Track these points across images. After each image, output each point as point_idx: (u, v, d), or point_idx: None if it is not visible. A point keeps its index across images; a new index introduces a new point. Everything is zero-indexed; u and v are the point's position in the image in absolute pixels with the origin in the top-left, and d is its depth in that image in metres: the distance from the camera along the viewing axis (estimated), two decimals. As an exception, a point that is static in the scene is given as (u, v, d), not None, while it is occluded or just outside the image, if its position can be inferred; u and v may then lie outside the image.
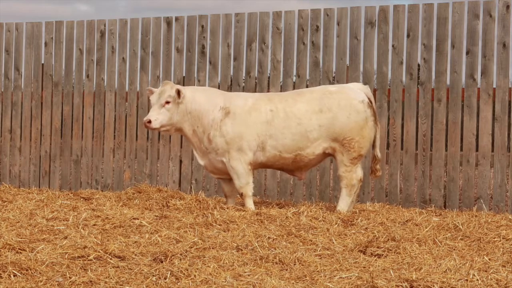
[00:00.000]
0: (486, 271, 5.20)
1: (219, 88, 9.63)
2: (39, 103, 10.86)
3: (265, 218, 7.21)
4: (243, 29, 9.83)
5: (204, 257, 5.57)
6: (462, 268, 5.23)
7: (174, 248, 5.82)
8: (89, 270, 5.18)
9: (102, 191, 10.08)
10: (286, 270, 5.35)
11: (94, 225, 6.95)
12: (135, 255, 5.68)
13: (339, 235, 6.62)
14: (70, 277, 4.97)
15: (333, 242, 6.30)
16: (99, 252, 5.63)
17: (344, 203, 8.01)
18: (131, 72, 10.36)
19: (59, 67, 10.81)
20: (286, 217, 7.28)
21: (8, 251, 5.67)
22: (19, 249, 5.74)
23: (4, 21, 11.12)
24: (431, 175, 8.99)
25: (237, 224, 6.89)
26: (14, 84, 10.99)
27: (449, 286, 4.79)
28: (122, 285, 4.87)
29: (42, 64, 10.89)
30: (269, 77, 9.72)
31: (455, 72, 8.91)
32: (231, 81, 9.92)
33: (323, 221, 7.19)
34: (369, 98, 8.11)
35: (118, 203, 8.16)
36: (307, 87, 9.33)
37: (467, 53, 8.86)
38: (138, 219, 7.12)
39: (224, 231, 6.64)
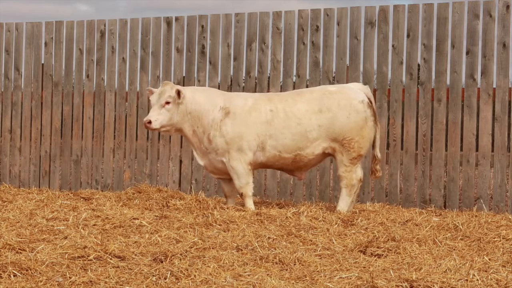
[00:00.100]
0: (486, 271, 5.20)
1: (219, 88, 9.64)
2: (39, 103, 10.86)
3: (265, 218, 7.21)
4: (243, 29, 9.83)
5: (204, 257, 5.57)
6: (462, 268, 5.23)
7: (174, 248, 5.81)
8: (89, 270, 5.18)
9: (102, 191, 10.08)
10: (286, 270, 5.35)
11: (94, 225, 6.95)
12: (135, 255, 5.68)
13: (339, 235, 6.62)
14: (70, 277, 4.97)
15: (333, 242, 6.30)
16: (99, 252, 5.63)
17: (344, 203, 8.01)
18: (131, 72, 10.36)
19: (59, 67, 10.81)
20: (286, 217, 7.28)
21: (8, 251, 5.67)
22: (19, 249, 5.74)
23: (4, 21, 11.13)
24: (431, 175, 8.99)
25: (237, 224, 6.89)
26: (14, 84, 10.99)
27: (449, 286, 4.79)
28: (122, 285, 4.87)
29: (42, 64, 10.89)
30: (269, 77, 9.72)
31: (455, 72, 8.91)
32: (231, 81, 9.92)
33: (323, 221, 7.19)
34: (369, 98, 8.11)
35: (118, 203, 8.16)
36: (307, 87, 9.33)
37: (467, 53, 8.86)
38: (138, 219, 7.12)
39: (224, 231, 6.64)
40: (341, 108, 8.01)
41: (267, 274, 5.16)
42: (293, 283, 4.95)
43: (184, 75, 10.11)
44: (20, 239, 6.14)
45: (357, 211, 7.88)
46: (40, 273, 5.09)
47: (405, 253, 5.82)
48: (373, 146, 8.18)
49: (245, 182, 8.06)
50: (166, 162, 10.14)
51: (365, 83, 8.99)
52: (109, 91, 10.48)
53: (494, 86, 8.76)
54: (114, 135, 10.49)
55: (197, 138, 8.18)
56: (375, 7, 9.27)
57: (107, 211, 7.55)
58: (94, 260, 5.51)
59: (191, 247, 5.94)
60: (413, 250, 5.89)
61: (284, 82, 9.65)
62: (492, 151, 8.74)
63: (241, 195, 8.10)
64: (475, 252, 5.97)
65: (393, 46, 9.16)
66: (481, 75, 8.78)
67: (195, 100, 8.15)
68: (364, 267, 5.41)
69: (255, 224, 6.95)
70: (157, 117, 8.05)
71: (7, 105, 11.04)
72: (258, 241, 6.14)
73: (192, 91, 8.24)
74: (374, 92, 9.17)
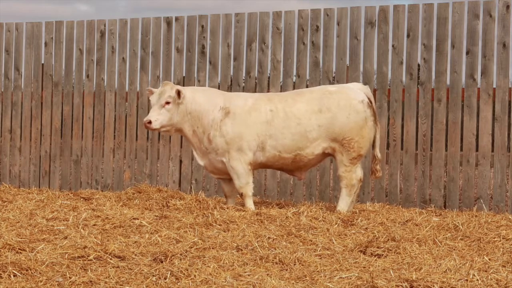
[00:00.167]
0: (486, 271, 5.20)
1: (219, 88, 9.64)
2: (39, 103, 10.86)
3: (265, 218, 7.21)
4: (243, 29, 9.83)
5: (204, 257, 5.57)
6: (462, 268, 5.23)
7: (174, 248, 5.82)
8: (89, 270, 5.18)
9: (102, 191, 10.08)
10: (286, 270, 5.35)
11: (94, 225, 6.95)
12: (135, 255, 5.68)
13: (339, 235, 6.62)
14: (70, 277, 4.97)
15: (333, 242, 6.30)
16: (99, 252, 5.63)
17: (344, 203, 8.01)
18: (131, 72, 10.36)
19: (59, 67, 10.81)
20: (286, 217, 7.28)
21: (8, 251, 5.67)
22: (19, 249, 5.74)
23: (4, 21, 11.13)
24: (431, 175, 8.99)
25: (237, 224, 6.89)
26: (14, 84, 10.99)
27: (449, 286, 4.79)
28: (122, 285, 4.87)
29: (42, 64, 10.89)
30: (269, 77, 9.72)
31: (455, 72, 8.91)
32: (231, 81, 9.92)
33: (323, 221, 7.19)
34: (369, 98, 8.11)
35: (118, 203, 8.16)
36: (307, 87, 9.33)
37: (467, 53, 8.86)
38: (138, 219, 7.12)
39: (224, 231, 6.64)
40: (341, 108, 8.01)
41: (267, 274, 5.16)
42: (293, 283, 4.95)
43: (184, 75, 10.11)
44: (20, 239, 6.14)
45: (357, 211, 7.88)
46: (40, 273, 5.09)
47: (405, 253, 5.82)
48: (373, 146, 8.18)
49: (245, 182, 8.06)
50: (166, 162, 10.14)
51: (365, 83, 8.99)
52: (109, 91, 10.48)
53: (494, 86, 8.76)
54: (114, 135, 10.49)
55: (197, 138, 8.18)
56: (375, 7, 9.28)
57: (107, 211, 7.55)
58: (94, 260, 5.51)
59: (191, 247, 5.94)
60: (413, 250, 5.89)
61: (284, 82, 9.65)
62: (492, 151, 8.74)
63: (241, 195, 8.10)
64: (475, 252, 5.97)
65: (393, 46, 9.16)
66: (481, 75, 8.78)
67: (195, 100, 8.15)
68: (364, 267, 5.41)
69: (255, 224, 6.95)
70: (157, 117, 8.05)
71: (7, 105, 11.04)
72: (258, 241, 6.14)
73: (192, 91, 8.24)
74: (374, 92, 9.17)
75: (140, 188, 9.01)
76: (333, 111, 8.01)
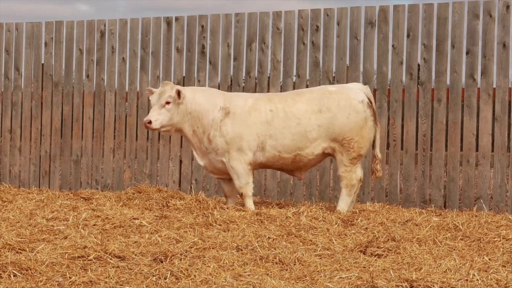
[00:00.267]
0: (486, 271, 5.20)
1: (219, 88, 9.64)
2: (39, 103, 10.86)
3: (265, 218, 7.21)
4: (243, 29, 9.83)
5: (204, 257, 5.57)
6: (462, 268, 5.23)
7: (174, 248, 5.82)
8: (89, 270, 5.18)
9: (102, 191, 10.08)
10: (286, 270, 5.35)
11: (94, 225, 6.95)
12: (135, 255, 5.68)
13: (339, 235, 6.62)
14: (70, 277, 4.97)
15: (333, 242, 6.30)
16: (99, 252, 5.63)
17: (344, 203, 8.01)
18: (131, 72, 10.36)
19: (59, 67, 10.81)
20: (286, 217, 7.28)
21: (8, 251, 5.67)
22: (19, 249, 5.74)
23: (4, 21, 11.13)
24: (431, 175, 8.99)
25: (237, 224, 6.89)
26: (14, 84, 10.99)
27: (449, 286, 4.79)
28: (122, 285, 4.87)
29: (42, 64, 10.89)
30: (269, 77, 9.72)
31: (455, 72, 8.91)
32: (231, 81, 9.92)
33: (323, 221, 7.19)
34: (369, 98, 8.11)
35: (118, 203, 8.16)
36: (307, 87, 9.33)
37: (467, 53, 8.86)
38: (138, 219, 7.12)
39: (224, 231, 6.64)
40: (341, 108, 8.01)
41: (267, 274, 5.16)
42: (293, 283, 4.95)
43: (184, 75, 10.11)
44: (20, 239, 6.14)
45: (357, 211, 7.88)
46: (40, 273, 5.09)
47: (405, 253, 5.82)
48: (373, 146, 8.18)
49: (245, 182, 8.06)
50: (166, 162, 10.14)
51: (365, 83, 8.99)
52: (109, 91, 10.48)
53: (494, 86, 8.76)
54: (114, 135, 10.49)
55: (197, 138, 8.19)
56: (375, 7, 9.28)
57: (107, 211, 7.55)
58: (94, 260, 5.51)
59: (191, 247, 5.95)
60: (413, 250, 5.89)
61: (284, 82, 9.65)
62: (492, 151, 8.74)
63: (241, 195, 8.11)
64: (475, 252, 5.97)
65: (393, 46, 9.16)
66: (481, 75, 8.78)
67: (195, 100, 8.15)
68: (364, 267, 5.41)
69: (255, 224, 6.95)
70: (157, 117, 8.05)
71: (7, 105, 11.04)
72: (258, 241, 6.14)
73: (192, 91, 8.24)
74: (374, 92, 9.17)
75: (140, 188, 9.01)
76: (333, 111, 8.01)
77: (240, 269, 5.28)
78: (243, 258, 5.60)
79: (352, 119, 8.00)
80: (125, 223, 6.98)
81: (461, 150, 8.94)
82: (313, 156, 8.08)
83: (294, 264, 5.48)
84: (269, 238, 6.31)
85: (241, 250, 5.89)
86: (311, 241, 6.32)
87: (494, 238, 6.44)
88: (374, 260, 5.64)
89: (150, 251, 5.78)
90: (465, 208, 8.70)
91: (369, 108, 8.07)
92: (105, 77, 10.51)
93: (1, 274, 5.02)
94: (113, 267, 5.28)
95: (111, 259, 5.54)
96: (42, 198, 8.59)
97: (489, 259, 5.58)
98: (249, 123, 8.03)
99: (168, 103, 8.08)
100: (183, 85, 9.87)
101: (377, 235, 6.36)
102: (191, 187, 9.92)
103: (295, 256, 5.60)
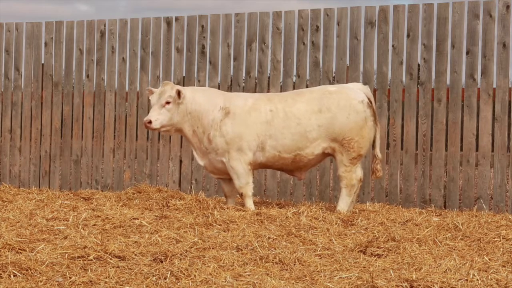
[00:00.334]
0: (486, 271, 5.20)
1: (219, 88, 9.64)
2: (39, 103, 10.87)
3: (265, 218, 7.21)
4: (243, 29, 9.83)
5: (204, 257, 5.57)
6: (462, 268, 5.23)
7: (174, 248, 5.82)
8: (89, 270, 5.18)
9: (102, 191, 10.08)
10: (286, 270, 5.35)
11: (94, 225, 6.95)
12: (135, 255, 5.68)
13: (339, 235, 6.62)
14: (70, 277, 4.97)
15: (333, 242, 6.30)
16: (99, 252, 5.63)
17: (344, 203, 8.01)
18: (131, 72, 10.36)
19: (59, 67, 10.81)
20: (286, 217, 7.28)
21: (8, 251, 5.67)
22: (19, 249, 5.74)
23: (4, 21, 11.13)
24: (431, 175, 8.99)
25: (237, 224, 6.89)
26: (14, 84, 10.99)
27: (449, 286, 4.79)
28: (122, 285, 4.87)
29: (42, 64, 10.89)
30: (269, 77, 9.72)
31: (455, 72, 8.91)
32: (231, 81, 9.92)
33: (323, 221, 7.19)
34: (368, 98, 8.11)
35: (118, 203, 8.16)
36: (307, 87, 9.33)
37: (467, 53, 8.86)
38: (138, 219, 7.12)
39: (224, 231, 6.64)
40: (341, 108, 8.01)
41: (267, 274, 5.16)
42: (293, 283, 4.95)
43: (184, 75, 10.11)
44: (20, 239, 6.14)
45: (357, 211, 7.88)
46: (40, 273, 5.09)
47: (405, 253, 5.82)
48: (373, 146, 8.18)
49: (245, 182, 8.06)
50: (166, 162, 10.14)
51: (365, 83, 8.99)
52: (109, 91, 10.48)
53: (494, 86, 8.76)
54: (114, 135, 10.49)
55: (197, 138, 8.19)
56: (375, 7, 9.28)
57: (107, 211, 7.55)
58: (94, 260, 5.51)
59: (191, 247, 5.94)
60: (413, 250, 5.89)
61: (284, 82, 9.65)
62: (492, 151, 8.74)
63: (241, 195, 8.11)
64: (475, 252, 5.97)
65: (393, 46, 9.16)
66: (481, 75, 8.78)
67: (195, 100, 8.15)
68: (364, 267, 5.41)
69: (255, 224, 6.95)
70: (157, 117, 8.05)
71: (7, 105, 11.04)
72: (258, 241, 6.14)
73: (192, 91, 8.24)
74: (374, 92, 9.17)
75: (140, 188, 9.01)
76: (333, 111, 8.01)
77: (240, 269, 5.28)
78: (243, 258, 5.60)
79: (352, 119, 8.00)
80: (125, 223, 6.98)
81: (461, 150, 8.94)
82: (313, 156, 8.08)
83: (294, 264, 5.48)
84: (269, 238, 6.31)
85: (241, 250, 5.89)
86: (311, 241, 6.32)
87: (494, 238, 6.44)
88: (374, 260, 5.64)
89: (150, 251, 5.78)
90: (465, 208, 8.70)
91: (369, 108, 8.07)
92: (105, 77, 10.51)
93: (1, 274, 5.02)
94: (113, 267, 5.28)
95: (111, 259, 5.54)
96: (42, 198, 8.59)
97: (489, 259, 5.58)
98: (249, 123, 8.03)
99: (168, 103, 8.08)
100: (183, 85, 9.87)
101: (377, 235, 6.36)
102: (191, 187, 9.92)
103: (295, 256, 5.60)
